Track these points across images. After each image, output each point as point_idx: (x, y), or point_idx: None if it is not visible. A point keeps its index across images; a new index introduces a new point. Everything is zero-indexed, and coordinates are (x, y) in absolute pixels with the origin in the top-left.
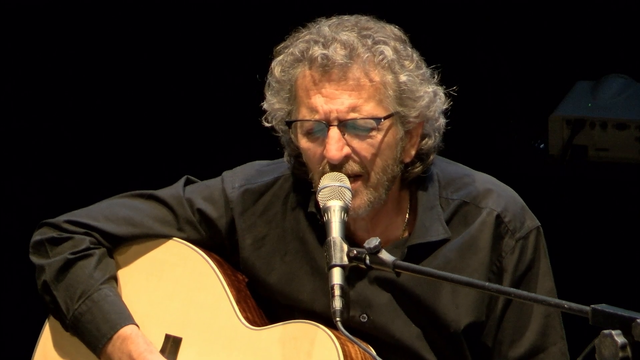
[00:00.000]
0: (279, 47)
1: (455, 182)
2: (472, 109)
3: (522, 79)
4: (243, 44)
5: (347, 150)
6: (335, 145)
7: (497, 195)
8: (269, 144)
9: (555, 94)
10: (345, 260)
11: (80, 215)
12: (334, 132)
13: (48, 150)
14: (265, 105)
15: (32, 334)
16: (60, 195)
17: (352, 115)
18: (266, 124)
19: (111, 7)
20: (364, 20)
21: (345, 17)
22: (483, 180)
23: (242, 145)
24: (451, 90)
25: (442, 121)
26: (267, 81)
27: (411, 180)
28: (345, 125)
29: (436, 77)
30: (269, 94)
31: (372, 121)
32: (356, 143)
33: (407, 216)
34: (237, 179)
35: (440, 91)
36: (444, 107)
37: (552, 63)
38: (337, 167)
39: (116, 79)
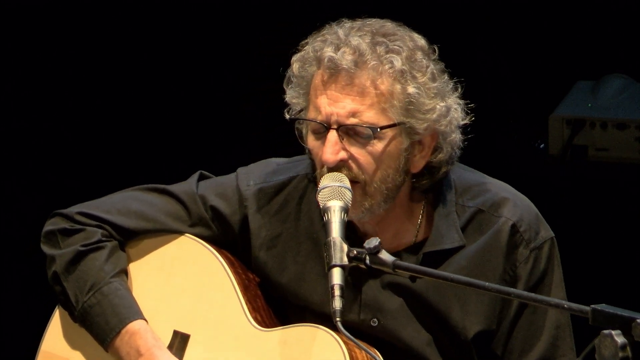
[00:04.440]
0: (302, 42)
1: (472, 189)
2: (472, 109)
3: (522, 79)
4: (243, 44)
5: (342, 155)
6: (331, 148)
7: (513, 205)
8: (271, 142)
9: (555, 94)
10: (345, 261)
11: (93, 207)
12: (332, 135)
13: (48, 150)
14: (287, 98)
15: (33, 334)
16: (60, 195)
17: (352, 120)
18: (287, 116)
19: (111, 7)
20: (389, 26)
21: (369, 21)
22: (499, 188)
23: (242, 144)
24: (470, 107)
25: (456, 136)
26: (287, 75)
27: (425, 188)
28: (345, 131)
29: (458, 91)
30: (288, 88)
31: (369, 129)
32: (354, 149)
33: (419, 221)
34: (251, 177)
35: (457, 106)
36: (462, 123)
37: (552, 63)
38: (332, 170)
39: (116, 79)
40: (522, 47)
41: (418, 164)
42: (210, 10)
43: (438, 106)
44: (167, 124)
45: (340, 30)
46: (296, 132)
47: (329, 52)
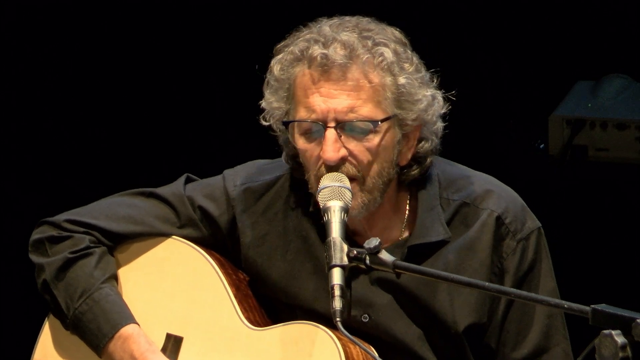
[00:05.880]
0: (279, 46)
1: (456, 183)
2: (472, 109)
3: (522, 79)
4: (243, 44)
5: (343, 152)
6: (332, 146)
7: (498, 196)
8: (269, 143)
9: (555, 94)
10: (345, 261)
11: (80, 213)
12: (331, 133)
13: (48, 150)
14: (263, 104)
15: (32, 334)
16: (60, 195)
17: (350, 116)
18: (264, 123)
19: (111, 7)
20: (365, 21)
21: (347, 18)
22: (483, 181)
23: (241, 144)
24: (450, 95)
25: (439, 125)
26: (266, 79)
27: (411, 181)
28: (342, 127)
29: (435, 80)
30: (267, 93)
31: (369, 123)
32: (353, 145)
33: (406, 216)
34: (238, 177)
35: (439, 95)
36: (442, 111)
37: (552, 63)
38: (333, 168)
39: (116, 79)
40: (522, 47)
41: (405, 155)
42: (210, 10)
43: (424, 96)
44: (166, 123)
45: (325, 27)
46: (279, 137)
47: (318, 49)
